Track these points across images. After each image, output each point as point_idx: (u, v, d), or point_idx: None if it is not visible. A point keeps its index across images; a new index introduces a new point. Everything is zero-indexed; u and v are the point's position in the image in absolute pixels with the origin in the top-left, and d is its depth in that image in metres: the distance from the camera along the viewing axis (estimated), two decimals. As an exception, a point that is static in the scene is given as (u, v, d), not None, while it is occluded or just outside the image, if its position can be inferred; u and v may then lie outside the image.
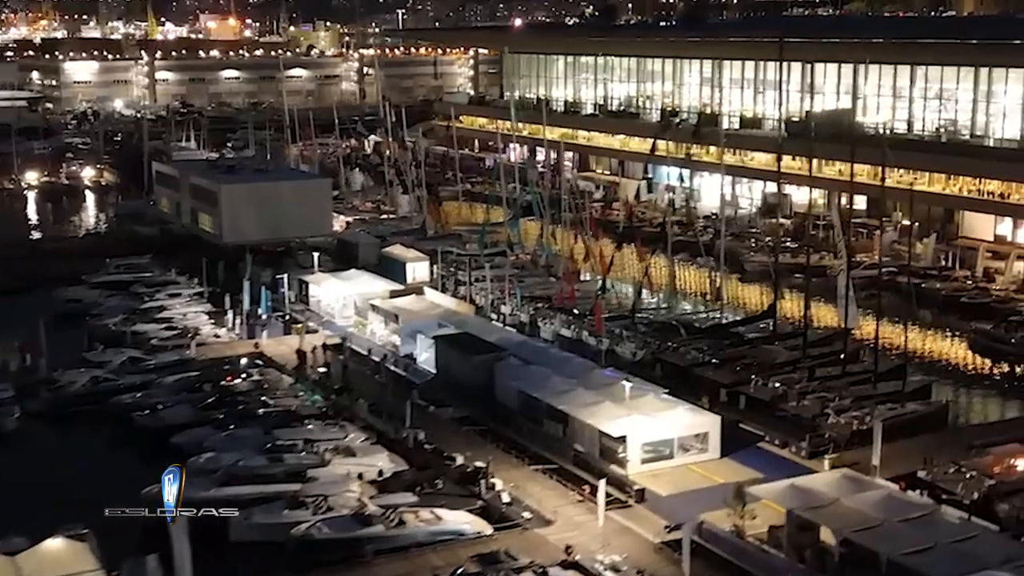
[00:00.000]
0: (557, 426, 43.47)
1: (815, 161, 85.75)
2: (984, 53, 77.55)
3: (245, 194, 73.00)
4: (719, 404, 47.41)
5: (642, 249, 64.72)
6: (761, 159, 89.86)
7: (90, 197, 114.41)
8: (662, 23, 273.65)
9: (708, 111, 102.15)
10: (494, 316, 61.05)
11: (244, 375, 49.29)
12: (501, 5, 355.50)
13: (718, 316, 60.44)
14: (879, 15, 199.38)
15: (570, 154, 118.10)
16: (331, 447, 40.94)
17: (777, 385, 48.59)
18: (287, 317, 60.00)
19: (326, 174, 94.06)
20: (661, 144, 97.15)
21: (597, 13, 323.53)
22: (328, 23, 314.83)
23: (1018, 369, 55.71)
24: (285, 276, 62.79)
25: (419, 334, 53.59)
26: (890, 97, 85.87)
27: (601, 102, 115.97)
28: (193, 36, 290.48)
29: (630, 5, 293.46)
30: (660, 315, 60.43)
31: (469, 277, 64.67)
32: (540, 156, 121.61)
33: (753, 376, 49.82)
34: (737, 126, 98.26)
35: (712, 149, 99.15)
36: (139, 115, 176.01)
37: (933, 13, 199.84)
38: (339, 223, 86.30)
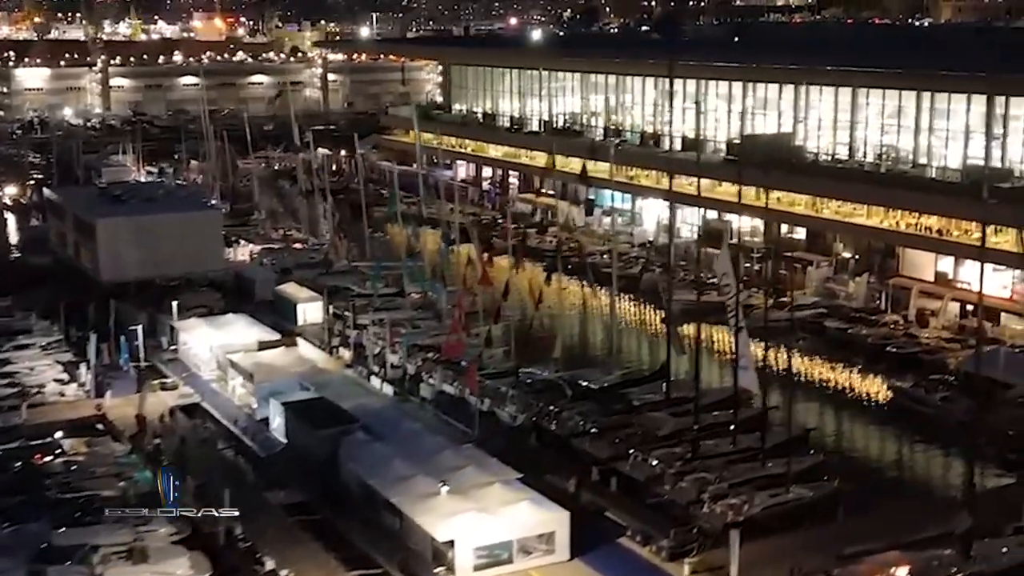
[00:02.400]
0: (394, 520, 38.62)
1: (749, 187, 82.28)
2: (925, 78, 72.68)
3: (125, 228, 67.74)
4: (589, 485, 42.77)
5: (535, 286, 59.58)
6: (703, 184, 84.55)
7: (10, 219, 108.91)
8: (643, 27, 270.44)
9: (652, 130, 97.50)
10: (376, 369, 56.07)
11: (58, 450, 44.18)
12: (496, 4, 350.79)
13: (615, 373, 55.08)
14: (829, 24, 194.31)
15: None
16: (122, 551, 35.86)
17: (655, 463, 43.80)
18: (140, 370, 54.82)
19: (240, 198, 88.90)
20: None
21: (579, 16, 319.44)
22: (321, 22, 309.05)
23: (939, 438, 50.39)
24: (140, 325, 57.37)
25: (273, 397, 48.64)
26: (831, 121, 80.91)
27: (546, 118, 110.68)
28: (185, 35, 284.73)
29: (607, 9, 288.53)
30: (553, 370, 54.99)
31: (353, 322, 59.57)
32: (487, 173, 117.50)
33: (632, 450, 45.04)
34: (679, 147, 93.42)
35: (652, 172, 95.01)
36: (88, 124, 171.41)
37: (911, 20, 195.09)
38: (245, 252, 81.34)
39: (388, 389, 53.61)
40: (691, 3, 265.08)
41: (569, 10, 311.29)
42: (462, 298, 57.55)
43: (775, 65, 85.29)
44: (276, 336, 58.03)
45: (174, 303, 59.48)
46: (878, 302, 68.52)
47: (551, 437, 47.53)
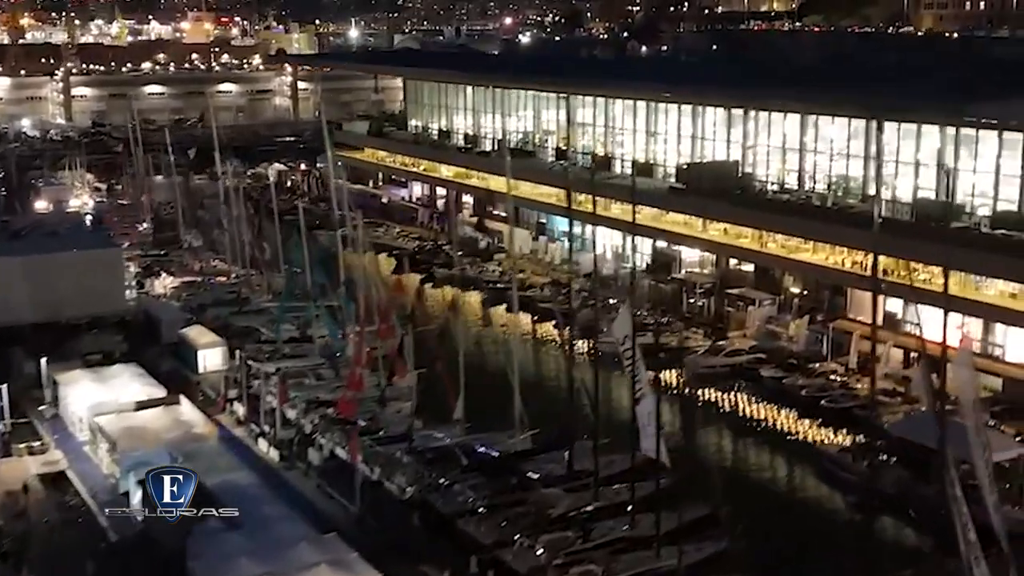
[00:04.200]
0: (232, 627, 34.63)
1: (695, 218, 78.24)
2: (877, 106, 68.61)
3: (15, 267, 63.63)
4: (463, 579, 38.77)
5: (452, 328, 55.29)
6: (650, 212, 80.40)
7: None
8: (625, 32, 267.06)
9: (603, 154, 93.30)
10: (267, 429, 51.87)
11: None
12: (492, 3, 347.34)
13: (521, 436, 50.69)
14: (807, 34, 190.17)
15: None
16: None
17: (540, 551, 39.76)
18: (4, 433, 50.53)
19: (165, 224, 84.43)
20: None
21: (562, 20, 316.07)
22: (315, 22, 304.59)
23: (866, 514, 45.59)
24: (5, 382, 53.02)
25: (134, 470, 44.42)
26: (780, 149, 76.91)
27: (499, 138, 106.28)
28: (176, 36, 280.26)
29: (589, 14, 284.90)
30: (456, 432, 50.66)
31: (247, 372, 55.28)
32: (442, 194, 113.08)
33: (518, 535, 40.97)
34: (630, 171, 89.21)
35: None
36: (46, 135, 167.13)
37: (890, 28, 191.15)
38: (163, 285, 77.12)
39: (274, 454, 49.58)
40: (672, 9, 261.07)
41: (551, 14, 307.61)
42: (361, 348, 53.28)
43: (720, 90, 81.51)
44: (163, 392, 53.71)
45: (43, 359, 54.88)
46: (820, 346, 64.25)
47: (436, 516, 43.45)
